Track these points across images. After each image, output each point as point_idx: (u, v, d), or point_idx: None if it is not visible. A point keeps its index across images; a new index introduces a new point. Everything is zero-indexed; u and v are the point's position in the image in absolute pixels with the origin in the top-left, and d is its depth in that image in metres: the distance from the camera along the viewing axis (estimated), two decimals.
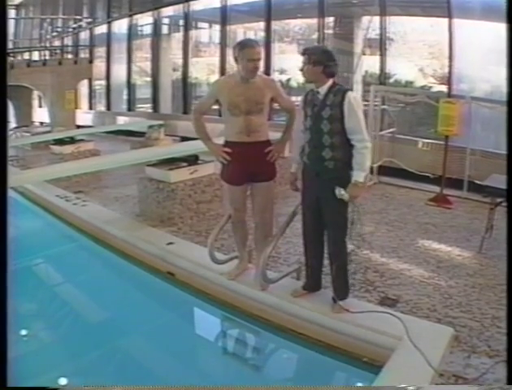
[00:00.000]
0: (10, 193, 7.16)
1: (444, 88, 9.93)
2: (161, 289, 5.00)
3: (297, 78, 12.66)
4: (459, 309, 4.39)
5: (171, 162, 7.04)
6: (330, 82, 3.78)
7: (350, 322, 3.77)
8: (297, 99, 13.93)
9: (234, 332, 4.63)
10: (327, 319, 3.88)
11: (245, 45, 4.14)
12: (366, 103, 8.95)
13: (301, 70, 3.87)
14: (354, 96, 3.75)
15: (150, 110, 16.76)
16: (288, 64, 13.20)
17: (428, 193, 8.19)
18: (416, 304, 4.47)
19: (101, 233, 6.12)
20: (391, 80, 10.97)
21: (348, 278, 4.08)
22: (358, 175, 3.70)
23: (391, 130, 9.58)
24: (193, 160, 7.18)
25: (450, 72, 9.63)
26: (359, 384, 3.74)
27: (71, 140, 10.24)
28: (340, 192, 3.73)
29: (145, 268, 5.29)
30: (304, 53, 3.83)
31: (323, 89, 3.78)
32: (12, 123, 17.14)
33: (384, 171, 9.03)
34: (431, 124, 9.07)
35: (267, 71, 12.24)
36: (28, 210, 7.55)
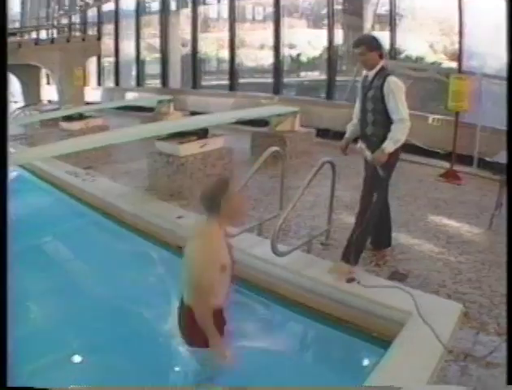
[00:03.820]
0: (20, 171, 7.25)
1: (454, 64, 9.81)
2: (170, 263, 5.00)
3: (307, 53, 12.55)
4: (469, 285, 4.39)
5: (181, 136, 7.03)
6: (379, 66, 4.37)
7: (360, 296, 3.79)
8: (307, 74, 13.82)
9: (244, 305, 4.64)
10: (338, 293, 3.89)
11: None
12: None
13: (362, 61, 4.43)
14: (394, 80, 4.28)
15: (159, 86, 16.70)
16: (298, 39, 13.07)
17: (438, 169, 8.15)
18: (426, 279, 4.47)
19: (111, 207, 6.16)
20: (401, 56, 10.85)
21: (364, 246, 4.58)
22: (387, 143, 4.25)
23: None
24: (203, 134, 7.17)
25: (460, 49, 9.50)
26: (368, 358, 3.73)
27: (80, 117, 10.21)
28: (367, 153, 4.50)
29: (155, 242, 5.33)
30: (359, 44, 4.39)
31: (372, 73, 4.39)
32: (20, 101, 17.15)
33: None
34: (442, 100, 8.97)
35: (277, 46, 12.20)
36: (38, 186, 7.58)
